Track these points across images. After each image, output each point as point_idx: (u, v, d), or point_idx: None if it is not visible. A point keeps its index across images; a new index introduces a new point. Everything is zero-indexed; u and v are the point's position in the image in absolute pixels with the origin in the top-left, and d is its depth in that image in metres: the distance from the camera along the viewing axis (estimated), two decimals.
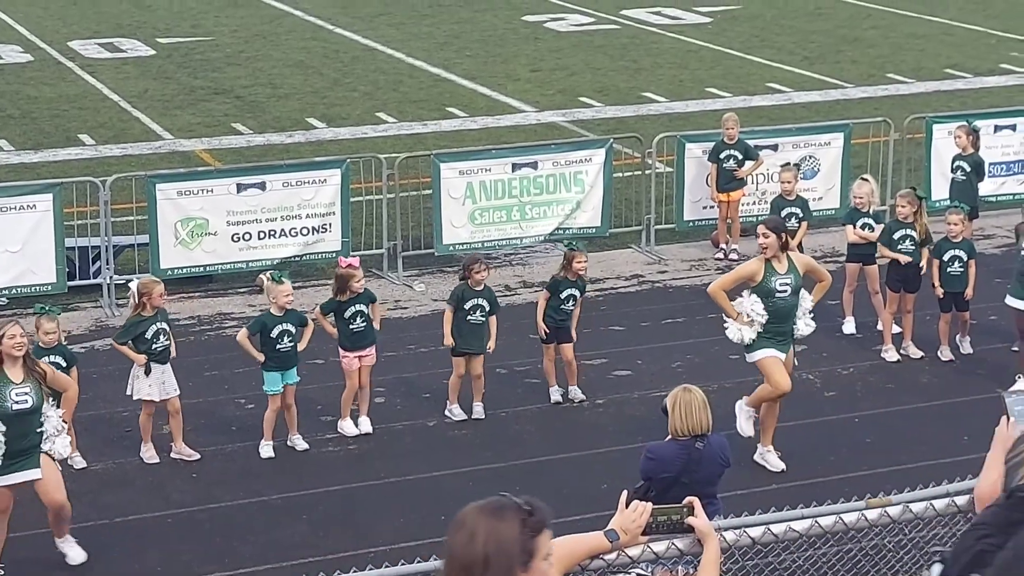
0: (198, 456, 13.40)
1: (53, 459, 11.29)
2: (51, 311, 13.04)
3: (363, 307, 13.82)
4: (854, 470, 13.03)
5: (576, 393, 14.58)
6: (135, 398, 13.20)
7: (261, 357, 13.37)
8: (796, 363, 13.34)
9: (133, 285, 13.47)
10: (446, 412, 14.22)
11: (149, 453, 13.33)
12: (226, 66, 29.54)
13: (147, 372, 13.16)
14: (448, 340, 14.01)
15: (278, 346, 13.38)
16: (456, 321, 14.03)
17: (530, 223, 18.58)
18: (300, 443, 13.63)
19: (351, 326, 13.74)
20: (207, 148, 23.59)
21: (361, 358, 13.82)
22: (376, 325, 14.00)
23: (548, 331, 14.37)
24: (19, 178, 20.37)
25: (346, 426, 13.90)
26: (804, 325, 13.04)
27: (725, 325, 12.94)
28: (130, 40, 31.94)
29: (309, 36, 32.70)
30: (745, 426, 13.10)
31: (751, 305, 12.77)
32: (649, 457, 9.80)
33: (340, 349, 13.88)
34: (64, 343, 13.26)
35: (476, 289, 14.07)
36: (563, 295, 14.35)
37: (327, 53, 30.94)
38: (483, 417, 14.20)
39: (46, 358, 12.79)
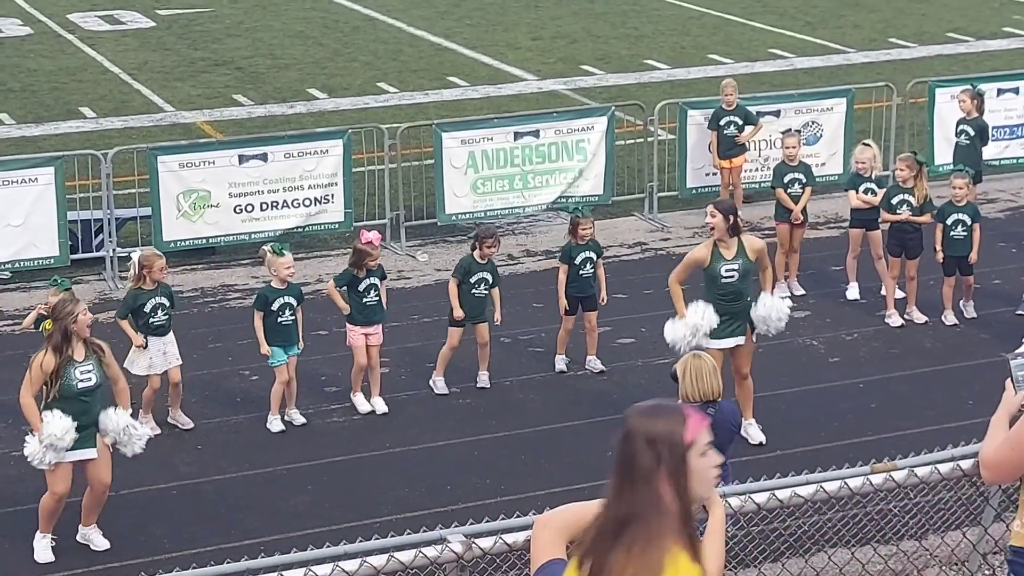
0: (192, 425, 13.44)
1: (105, 441, 11.35)
2: (62, 283, 13.06)
3: (376, 281, 13.79)
4: (859, 436, 13.04)
5: (595, 364, 14.53)
6: (132, 372, 13.17)
7: (267, 350, 13.38)
8: (755, 340, 13.09)
9: (135, 256, 13.48)
10: (430, 382, 14.16)
11: (149, 425, 13.33)
12: (226, 37, 29.47)
13: (144, 347, 13.20)
14: (458, 312, 13.99)
15: (279, 319, 13.36)
16: (460, 294, 14.01)
17: (532, 192, 18.56)
18: (298, 418, 13.60)
19: (364, 299, 13.71)
20: (208, 120, 23.56)
21: (368, 335, 13.77)
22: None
23: (571, 303, 14.32)
24: (20, 151, 20.34)
25: (358, 401, 13.86)
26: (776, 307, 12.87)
27: (669, 322, 12.82)
28: (129, 12, 31.86)
29: (309, 6, 32.61)
30: (753, 433, 13.04)
31: (703, 314, 12.56)
32: None
33: (348, 324, 13.83)
34: None
35: (481, 262, 14.06)
36: (577, 261, 14.32)
37: (327, 23, 30.86)
38: (488, 386, 14.19)
39: None
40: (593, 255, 14.40)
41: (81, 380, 11.06)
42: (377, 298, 13.80)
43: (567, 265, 14.38)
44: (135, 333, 13.14)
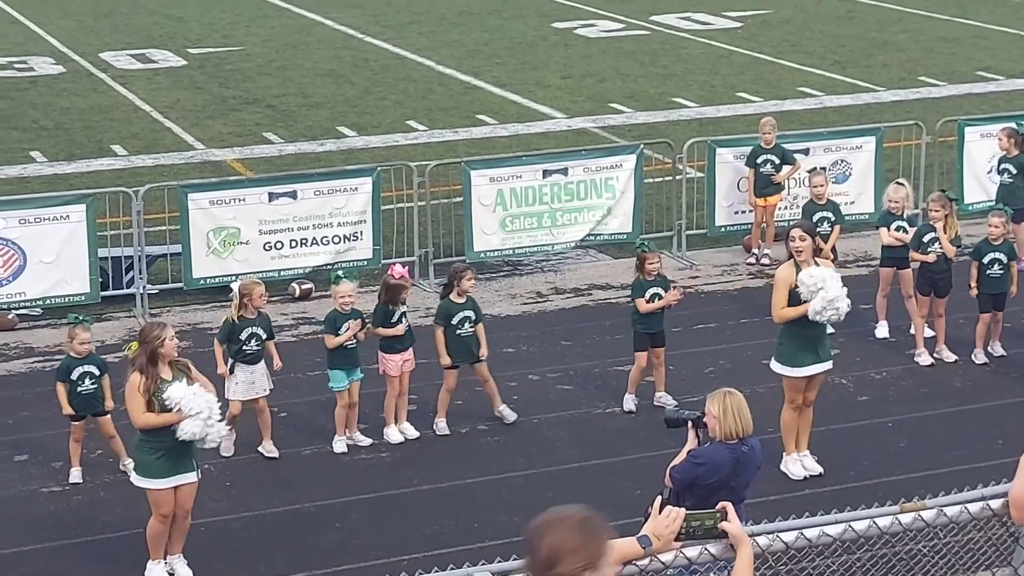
0: (276, 455, 13.58)
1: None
2: (84, 320, 13.19)
3: (405, 309, 14.08)
4: (888, 475, 12.98)
5: (666, 399, 14.45)
6: (226, 397, 13.37)
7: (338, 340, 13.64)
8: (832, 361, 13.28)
9: (235, 287, 13.68)
10: (433, 425, 14.17)
11: (226, 444, 13.47)
12: (257, 76, 29.64)
13: (231, 371, 13.40)
14: (445, 360, 13.99)
15: (345, 344, 13.58)
16: (446, 338, 14.03)
17: (561, 229, 18.57)
18: (362, 439, 13.86)
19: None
20: (239, 157, 23.67)
21: (405, 362, 13.96)
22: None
23: (641, 339, 14.31)
24: (52, 189, 20.46)
25: (392, 433, 13.96)
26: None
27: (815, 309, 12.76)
28: (161, 51, 32.08)
29: (340, 45, 32.79)
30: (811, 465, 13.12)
31: (817, 276, 12.63)
32: (699, 463, 9.69)
33: (383, 354, 13.94)
34: (95, 352, 13.38)
35: (460, 302, 14.05)
36: (647, 296, 14.30)
37: (357, 62, 31.01)
38: (515, 417, 14.18)
39: (79, 368, 12.94)
40: (661, 291, 14.36)
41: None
42: (407, 326, 14.00)
43: (641, 299, 14.33)
44: (222, 359, 13.41)
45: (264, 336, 13.60)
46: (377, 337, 13.97)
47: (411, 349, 14.07)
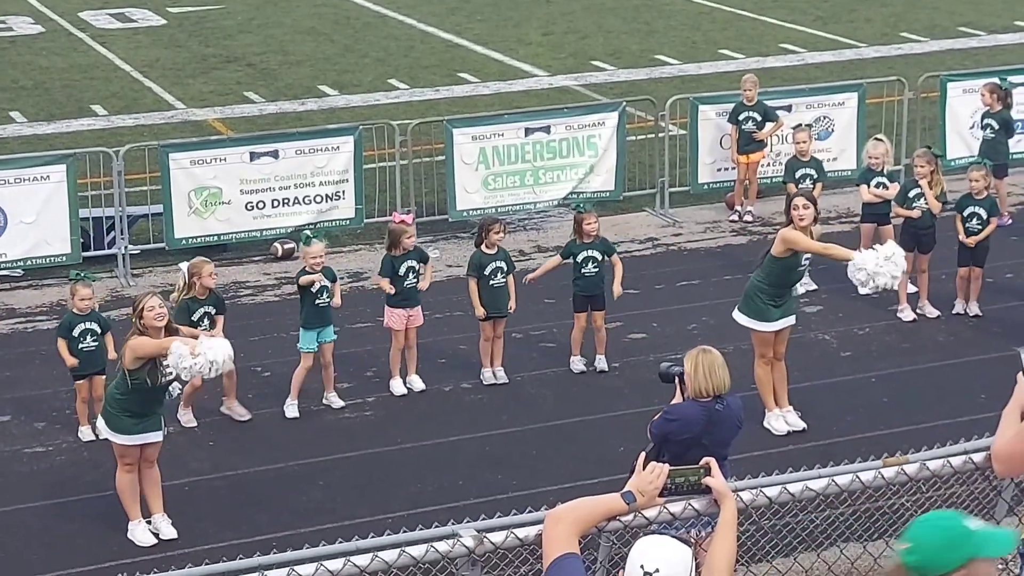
0: (249, 416, 13.52)
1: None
2: (86, 277, 13.12)
3: (414, 263, 13.98)
4: (871, 430, 13.02)
5: (601, 363, 14.54)
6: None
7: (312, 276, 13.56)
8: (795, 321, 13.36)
9: (183, 267, 13.52)
10: (480, 376, 14.23)
11: (187, 417, 13.44)
12: (237, 34, 29.49)
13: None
14: (480, 311, 14.04)
15: (316, 302, 13.57)
16: (479, 288, 14.06)
17: (543, 187, 18.54)
18: (336, 401, 13.80)
19: (404, 283, 13.92)
20: (219, 117, 23.58)
21: (409, 317, 13.95)
22: (424, 285, 14.10)
23: (578, 301, 14.35)
24: (32, 149, 20.36)
25: (396, 385, 14.00)
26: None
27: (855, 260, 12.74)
28: (141, 10, 31.90)
29: (320, 2, 32.62)
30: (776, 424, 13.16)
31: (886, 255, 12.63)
32: (670, 419, 9.72)
33: (387, 307, 13.97)
34: (98, 310, 13.32)
35: (491, 253, 14.10)
36: (579, 259, 14.30)
37: (338, 19, 30.87)
38: (506, 381, 14.21)
39: (81, 324, 12.90)
40: (597, 254, 14.33)
41: (165, 375, 11.25)
42: (415, 281, 13.98)
43: (562, 259, 14.38)
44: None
45: (215, 312, 13.36)
46: (372, 295, 13.93)
47: (419, 307, 14.05)
